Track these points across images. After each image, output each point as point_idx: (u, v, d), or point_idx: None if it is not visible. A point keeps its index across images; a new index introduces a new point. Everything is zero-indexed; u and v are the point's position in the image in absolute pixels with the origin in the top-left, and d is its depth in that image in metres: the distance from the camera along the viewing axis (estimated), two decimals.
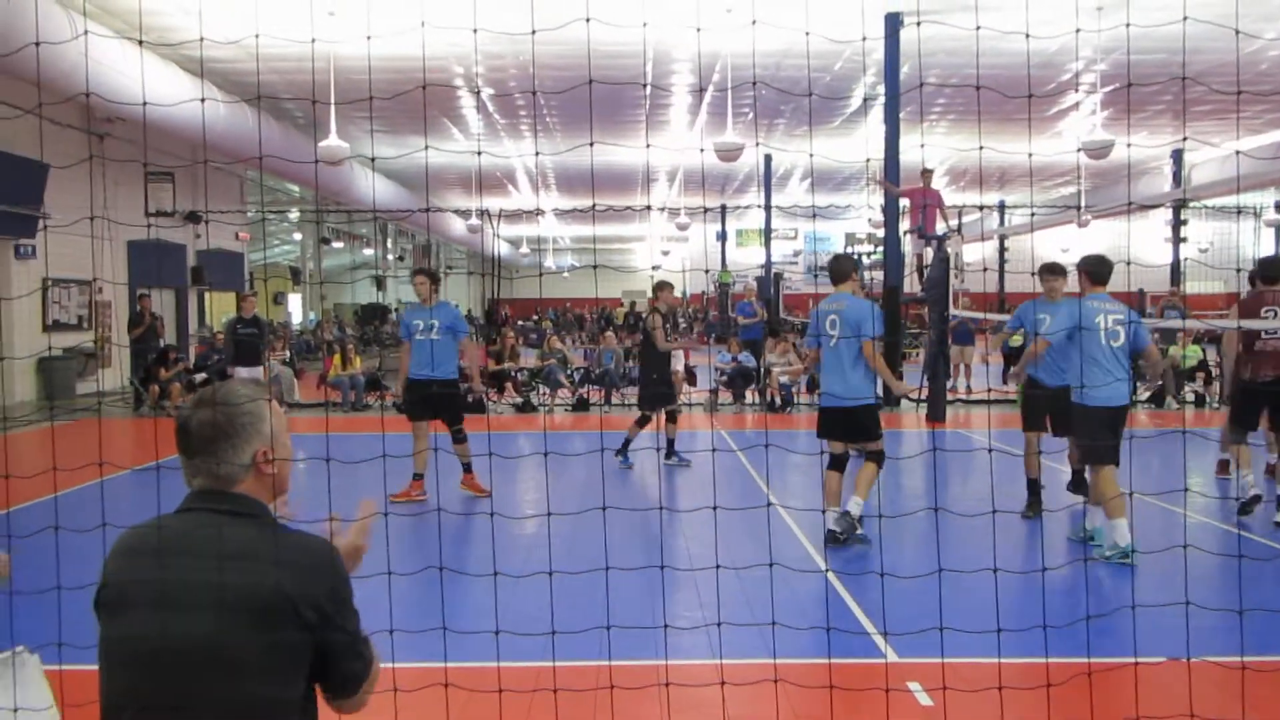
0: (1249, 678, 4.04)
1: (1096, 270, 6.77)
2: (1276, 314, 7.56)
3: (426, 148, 20.00)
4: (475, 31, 10.52)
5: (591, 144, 17.49)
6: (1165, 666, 4.35)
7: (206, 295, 23.22)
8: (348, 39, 12.59)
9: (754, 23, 10.12)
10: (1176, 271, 25.62)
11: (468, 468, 8.80)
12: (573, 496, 8.65)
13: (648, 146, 20.58)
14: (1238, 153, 20.54)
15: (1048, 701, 3.95)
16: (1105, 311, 6.66)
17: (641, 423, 10.31)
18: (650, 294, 10.91)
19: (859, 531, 7.02)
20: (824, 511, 6.97)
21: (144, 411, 15.42)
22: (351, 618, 2.00)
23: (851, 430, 7.04)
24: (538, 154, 22.03)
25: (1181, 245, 26.27)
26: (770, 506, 8.04)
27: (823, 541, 6.96)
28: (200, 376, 15.75)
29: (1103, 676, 4.34)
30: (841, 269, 7.22)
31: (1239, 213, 31.02)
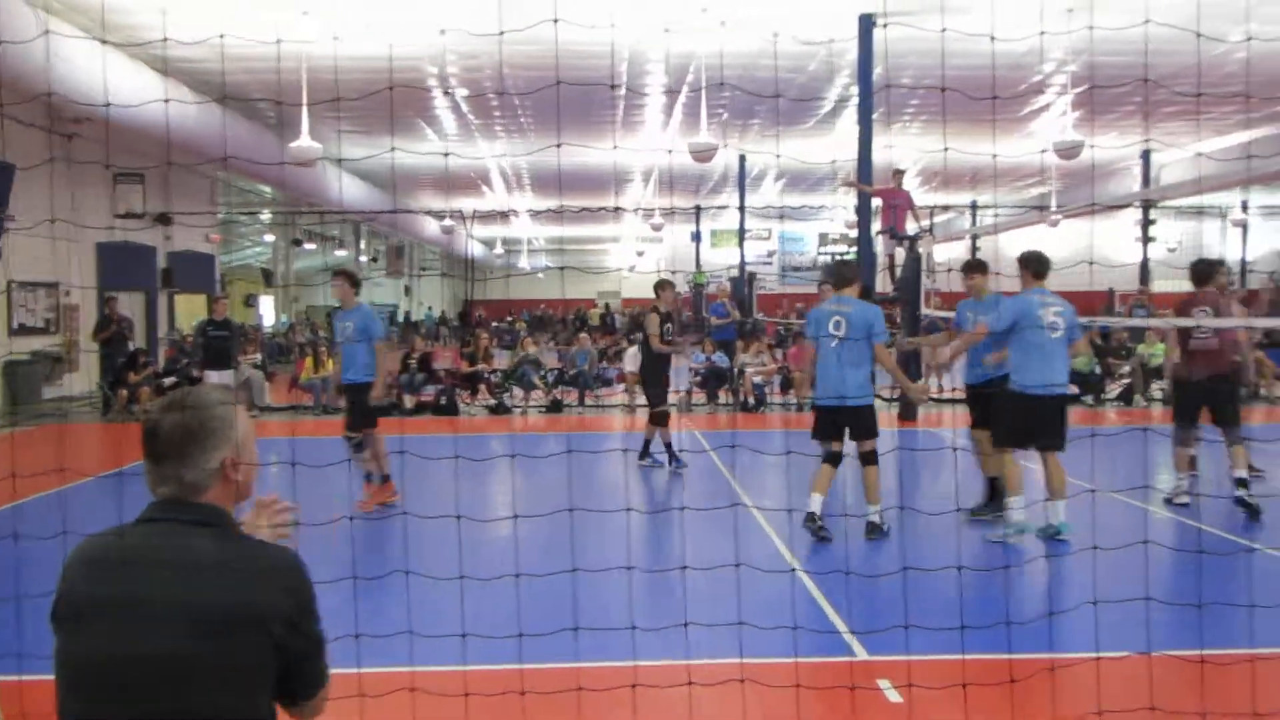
0: (1208, 671, 4.09)
1: (1037, 266, 7.17)
2: (1208, 313, 7.91)
3: (393, 149, 19.88)
4: (443, 33, 10.48)
5: (559, 145, 17.46)
6: (1127, 661, 4.40)
7: (177, 298, 23.01)
8: (320, 39, 12.52)
9: (722, 24, 10.16)
10: (1145, 270, 25.92)
11: (368, 477, 8.32)
12: (543, 499, 8.62)
13: (614, 148, 20.59)
14: (1199, 155, 20.85)
15: (1011, 697, 3.99)
16: (1047, 305, 7.00)
17: (662, 421, 10.19)
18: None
19: (886, 527, 7.31)
20: (808, 501, 7.22)
21: (113, 416, 15.27)
22: (316, 625, 2.00)
23: (854, 428, 7.28)
24: (504, 155, 21.97)
25: (1150, 245, 26.61)
26: (739, 507, 8.07)
27: (792, 540, 7.01)
28: (170, 380, 15.61)
29: (1066, 671, 4.39)
30: (846, 274, 7.56)
31: (1200, 213, 31.50)
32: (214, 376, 13.85)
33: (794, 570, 6.29)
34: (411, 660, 3.96)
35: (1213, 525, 7.57)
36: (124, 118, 13.33)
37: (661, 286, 10.25)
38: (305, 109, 14.68)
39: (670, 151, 18.88)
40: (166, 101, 12.99)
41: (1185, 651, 4.51)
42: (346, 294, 8.50)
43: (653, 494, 9.54)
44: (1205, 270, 8.23)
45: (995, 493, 7.83)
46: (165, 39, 11.81)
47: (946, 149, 18.88)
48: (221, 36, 8.72)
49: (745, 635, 4.18)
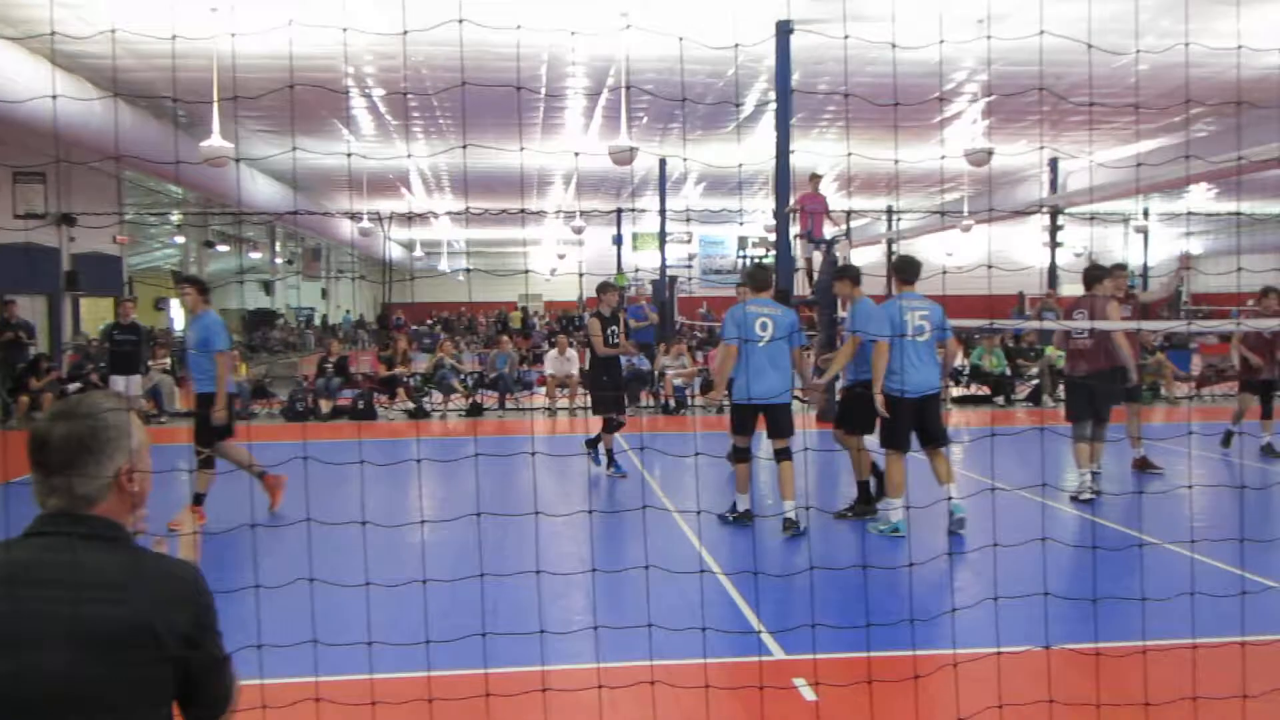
0: (1103, 663, 4.24)
1: (904, 272, 7.52)
2: (1084, 315, 8.44)
3: (294, 149, 19.50)
4: (345, 30, 10.31)
5: (465, 146, 17.34)
6: (1027, 655, 4.53)
7: (82, 301, 22.25)
8: (225, 36, 12.21)
9: (628, 26, 10.18)
10: (1054, 274, 26.73)
11: (198, 499, 7.84)
12: (458, 503, 8.54)
13: (521, 149, 20.53)
14: (1093, 162, 21.67)
15: (915, 693, 4.08)
16: (912, 309, 7.33)
17: (611, 428, 9.96)
18: (596, 296, 10.42)
19: (803, 528, 7.44)
20: (736, 502, 7.59)
21: (13, 424, 14.70)
22: (216, 640, 1.94)
23: (772, 426, 7.51)
24: (411, 156, 21.72)
25: (1059, 250, 27.51)
26: (659, 510, 8.10)
27: (712, 542, 7.08)
28: (74, 386, 15.09)
29: (968, 666, 4.49)
30: (766, 277, 7.86)
31: (1092, 219, 32.68)
32: (120, 382, 13.43)
33: (713, 572, 6.34)
34: (316, 670, 3.88)
35: (1112, 520, 7.83)
36: (22, 114, 12.86)
37: (603, 289, 10.08)
38: (215, 107, 14.32)
39: (577, 154, 18.86)
40: (54, 97, 12.53)
41: (1082, 645, 4.66)
42: (195, 302, 8.10)
43: (571, 497, 9.50)
44: (1092, 275, 8.72)
45: (863, 495, 8.05)
46: (53, 33, 11.39)
47: (850, 154, 19.25)
48: (113, 31, 8.46)
49: (664, 637, 4.19)
